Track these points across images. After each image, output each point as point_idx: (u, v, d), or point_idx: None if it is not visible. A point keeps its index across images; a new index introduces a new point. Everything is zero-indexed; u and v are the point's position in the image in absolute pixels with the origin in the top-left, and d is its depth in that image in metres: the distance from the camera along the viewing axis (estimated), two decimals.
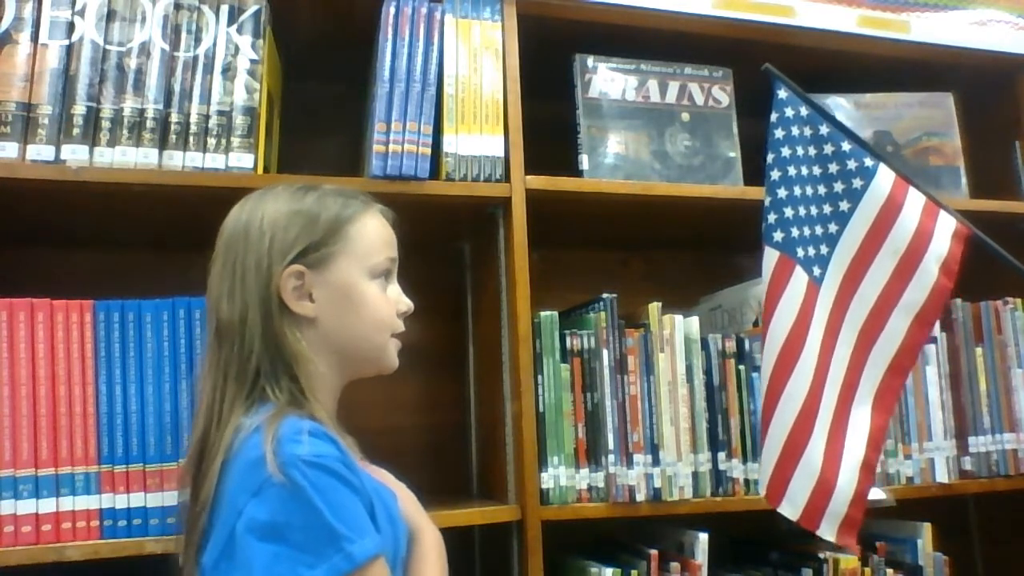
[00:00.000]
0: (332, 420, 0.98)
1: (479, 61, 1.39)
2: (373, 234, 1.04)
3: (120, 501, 1.13)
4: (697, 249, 1.84)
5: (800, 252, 1.23)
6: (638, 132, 1.54)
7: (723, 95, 1.61)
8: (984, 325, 1.62)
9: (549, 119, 1.48)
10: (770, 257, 1.24)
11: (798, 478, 1.19)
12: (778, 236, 1.24)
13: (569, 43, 1.53)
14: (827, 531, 1.19)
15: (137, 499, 1.13)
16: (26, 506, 1.09)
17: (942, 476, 1.54)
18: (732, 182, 1.56)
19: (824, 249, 1.24)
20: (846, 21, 1.62)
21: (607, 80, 1.54)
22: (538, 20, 1.45)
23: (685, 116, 1.58)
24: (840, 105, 1.70)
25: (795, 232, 1.24)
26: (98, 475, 1.12)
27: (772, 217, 1.25)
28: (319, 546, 0.81)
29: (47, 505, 1.10)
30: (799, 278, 1.22)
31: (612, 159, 1.51)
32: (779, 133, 1.26)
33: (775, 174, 1.26)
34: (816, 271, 1.23)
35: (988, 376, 1.60)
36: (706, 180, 1.55)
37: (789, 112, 1.26)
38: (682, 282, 1.81)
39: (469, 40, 1.39)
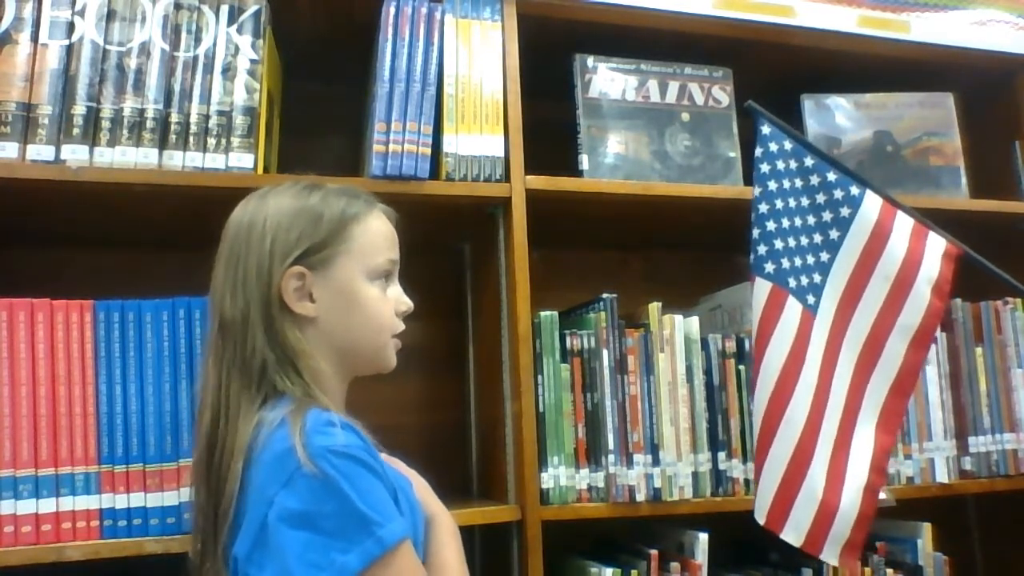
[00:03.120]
0: (341, 411, 0.99)
1: (479, 61, 1.39)
2: (375, 235, 1.04)
3: (120, 501, 1.13)
4: (697, 249, 1.84)
5: (792, 282, 1.26)
6: (638, 132, 1.54)
7: (723, 95, 1.61)
8: (984, 325, 1.63)
9: (549, 119, 1.48)
10: (762, 288, 1.26)
11: (800, 504, 1.20)
12: (769, 267, 1.26)
13: (569, 43, 1.53)
14: (830, 555, 1.20)
15: (137, 499, 1.13)
16: (26, 506, 1.09)
17: (942, 476, 1.54)
18: (732, 182, 1.56)
19: (817, 278, 1.26)
20: (846, 21, 1.62)
21: (607, 80, 1.54)
22: (538, 20, 1.45)
23: (685, 116, 1.58)
24: (840, 105, 1.70)
25: (786, 263, 1.26)
26: (98, 475, 1.12)
27: (762, 249, 1.27)
28: (350, 532, 0.84)
29: (47, 505, 1.10)
30: (792, 308, 1.24)
31: (612, 159, 1.51)
32: (765, 168, 1.28)
33: (763, 207, 1.28)
34: (810, 300, 1.25)
35: (988, 376, 1.61)
36: (706, 180, 1.55)
37: (773, 147, 1.28)
38: (682, 282, 1.81)
39: (469, 40, 1.39)
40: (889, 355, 1.23)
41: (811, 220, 1.27)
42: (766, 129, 1.29)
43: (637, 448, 1.38)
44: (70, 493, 1.11)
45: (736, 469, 1.44)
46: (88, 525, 1.11)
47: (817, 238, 1.26)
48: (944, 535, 1.54)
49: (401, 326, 1.07)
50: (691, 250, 1.85)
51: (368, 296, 1.02)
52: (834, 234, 1.25)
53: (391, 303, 1.05)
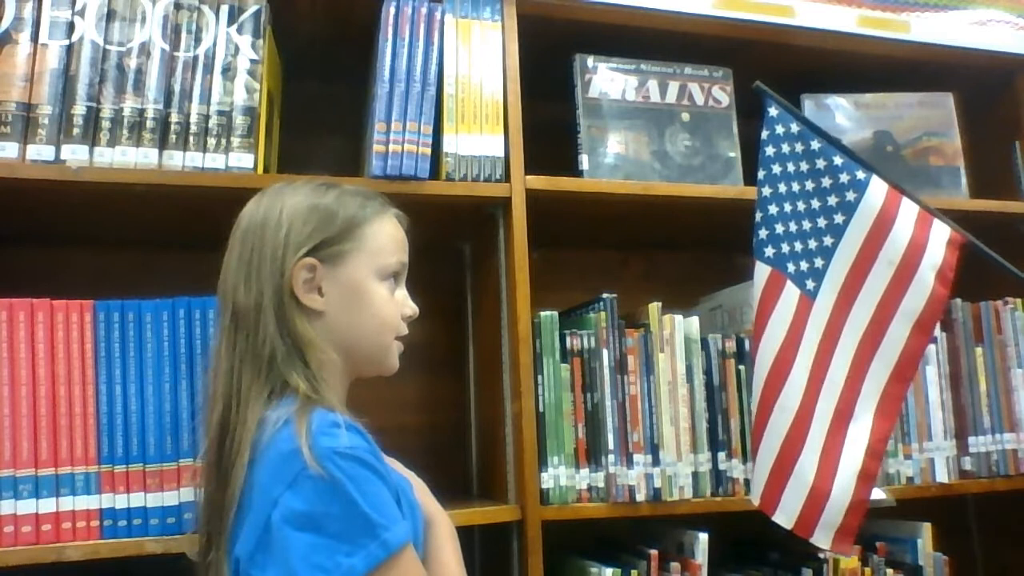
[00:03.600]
0: (344, 410, 0.99)
1: (479, 61, 1.39)
2: (387, 236, 1.06)
3: (120, 501, 1.13)
4: (697, 249, 1.84)
5: (791, 267, 1.26)
6: (638, 132, 1.54)
7: (723, 95, 1.61)
8: (984, 325, 1.63)
9: (549, 119, 1.48)
10: (761, 272, 1.27)
11: (791, 488, 1.21)
12: (769, 252, 1.27)
13: (569, 43, 1.53)
14: (821, 539, 1.21)
15: (137, 499, 1.13)
16: (26, 506, 1.09)
17: (942, 476, 1.54)
18: (732, 182, 1.56)
19: (819, 262, 1.25)
20: (846, 21, 1.62)
21: (607, 80, 1.54)
22: (538, 20, 1.45)
23: (685, 116, 1.58)
24: (840, 105, 1.70)
25: (786, 248, 1.26)
26: (98, 475, 1.12)
27: (764, 233, 1.27)
28: (356, 535, 0.84)
29: (47, 505, 1.10)
30: (790, 293, 1.25)
31: (612, 159, 1.51)
32: (770, 150, 1.28)
33: (766, 191, 1.28)
34: (810, 284, 1.25)
35: (988, 376, 1.61)
36: (706, 180, 1.55)
37: (780, 129, 1.28)
38: (682, 282, 1.80)
39: (469, 40, 1.39)
40: (891, 340, 1.22)
41: (815, 204, 1.26)
42: (773, 111, 1.29)
43: (637, 448, 1.38)
44: (70, 493, 1.11)
45: (736, 469, 1.44)
46: (88, 525, 1.11)
47: (821, 222, 1.26)
48: (944, 535, 1.54)
49: (405, 329, 1.08)
50: (691, 250, 1.85)
51: (375, 294, 1.03)
52: (839, 218, 1.25)
53: (397, 305, 1.06)
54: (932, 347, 1.58)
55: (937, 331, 1.59)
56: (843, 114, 1.70)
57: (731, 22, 1.55)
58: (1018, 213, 1.69)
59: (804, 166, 1.27)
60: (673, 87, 1.58)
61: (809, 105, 1.69)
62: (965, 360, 1.60)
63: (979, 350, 1.61)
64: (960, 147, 1.72)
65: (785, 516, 1.22)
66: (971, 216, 1.63)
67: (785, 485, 1.21)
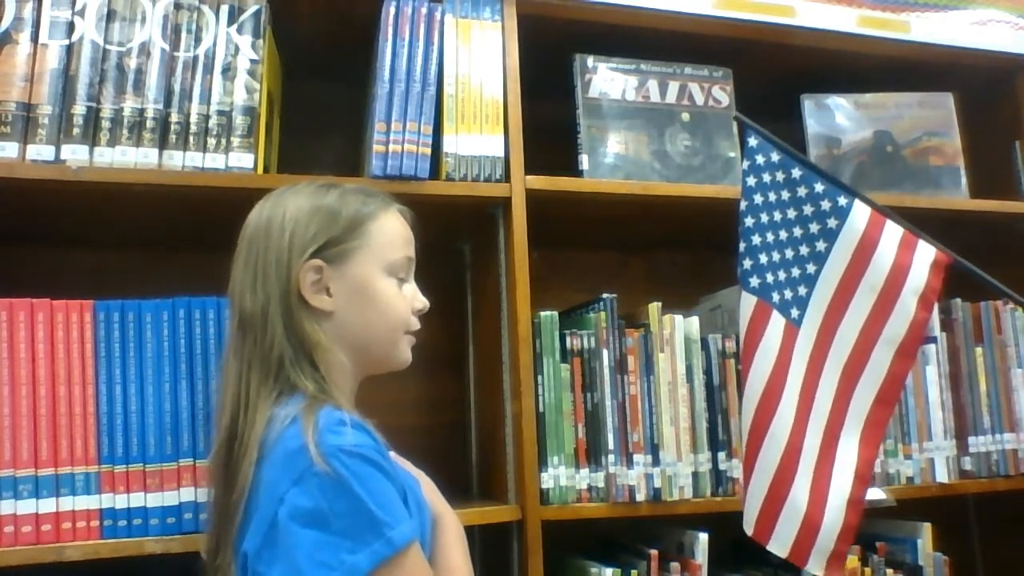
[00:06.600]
0: (352, 409, 0.99)
1: (479, 61, 1.39)
2: (392, 232, 1.06)
3: (120, 501, 1.13)
4: (697, 249, 1.84)
5: (776, 297, 1.26)
6: (638, 132, 1.54)
7: (723, 95, 1.61)
8: (984, 325, 1.63)
9: (549, 119, 1.48)
10: (747, 303, 1.26)
11: (785, 518, 1.21)
12: (754, 282, 1.26)
13: (569, 43, 1.53)
14: (815, 566, 1.21)
15: (137, 499, 1.13)
16: (26, 506, 1.09)
17: (942, 476, 1.54)
18: (732, 182, 1.56)
19: (803, 290, 1.26)
20: (846, 21, 1.62)
21: (607, 80, 1.54)
22: (538, 20, 1.45)
23: (685, 116, 1.58)
24: (840, 105, 1.70)
25: (770, 278, 1.26)
26: (98, 475, 1.12)
27: (748, 263, 1.27)
28: (360, 532, 0.84)
29: (47, 505, 1.10)
30: (776, 323, 1.25)
31: (612, 159, 1.51)
32: (751, 181, 1.28)
33: (749, 221, 1.28)
34: (794, 313, 1.25)
35: (988, 376, 1.61)
36: (706, 180, 1.55)
37: (760, 159, 1.28)
38: (682, 282, 1.81)
39: (469, 40, 1.39)
40: (874, 366, 1.23)
41: (797, 232, 1.27)
42: (753, 141, 1.29)
43: (637, 448, 1.38)
44: (70, 493, 1.11)
45: (736, 469, 1.44)
46: (88, 525, 1.11)
47: (803, 250, 1.26)
48: (944, 535, 1.54)
49: (417, 324, 1.08)
50: (691, 250, 1.85)
51: (384, 291, 1.03)
52: (821, 246, 1.25)
53: (407, 300, 1.06)
54: (932, 347, 1.58)
55: (937, 331, 1.59)
56: (843, 114, 1.70)
57: (731, 22, 1.55)
58: (1018, 213, 1.68)
59: (785, 195, 1.27)
60: (673, 87, 1.58)
61: (809, 105, 1.68)
62: (965, 360, 1.60)
63: (979, 350, 1.61)
64: (960, 147, 1.72)
65: (780, 545, 1.22)
66: (971, 216, 1.64)
67: (779, 515, 1.21)
